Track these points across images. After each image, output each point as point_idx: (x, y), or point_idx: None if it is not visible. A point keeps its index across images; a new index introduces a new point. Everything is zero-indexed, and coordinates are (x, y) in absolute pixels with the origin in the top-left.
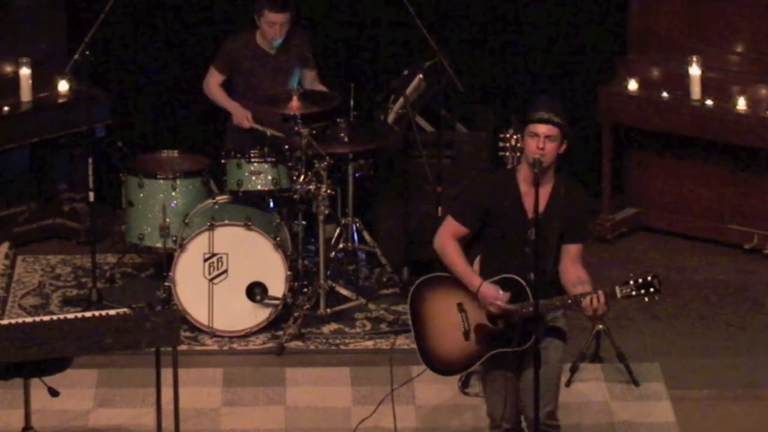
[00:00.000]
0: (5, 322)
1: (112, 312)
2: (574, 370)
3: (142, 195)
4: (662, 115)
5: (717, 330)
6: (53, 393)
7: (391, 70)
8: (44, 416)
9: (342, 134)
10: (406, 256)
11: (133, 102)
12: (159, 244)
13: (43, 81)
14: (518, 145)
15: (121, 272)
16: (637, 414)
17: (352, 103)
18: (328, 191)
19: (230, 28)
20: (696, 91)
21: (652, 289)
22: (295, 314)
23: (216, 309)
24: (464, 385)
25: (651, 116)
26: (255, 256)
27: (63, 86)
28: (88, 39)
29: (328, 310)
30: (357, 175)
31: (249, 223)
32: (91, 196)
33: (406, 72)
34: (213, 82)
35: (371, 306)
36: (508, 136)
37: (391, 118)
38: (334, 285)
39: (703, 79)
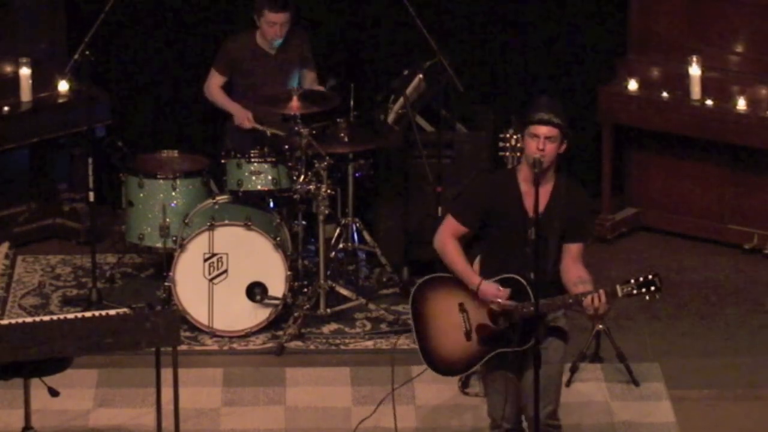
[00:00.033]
0: (5, 322)
1: (112, 312)
2: (574, 370)
3: (142, 195)
4: (662, 115)
5: (717, 330)
6: (53, 393)
7: (391, 70)
8: (44, 416)
9: (342, 134)
10: (406, 256)
11: (133, 102)
12: (159, 244)
13: (43, 81)
14: (518, 145)
15: (121, 272)
16: (637, 414)
17: (352, 103)
18: (328, 191)
19: (230, 29)
20: (696, 91)
21: (653, 288)
22: (295, 314)
23: (216, 309)
24: (464, 385)
25: (651, 116)
26: (255, 256)
27: (63, 86)
28: (88, 39)
29: (328, 310)
30: (357, 175)
31: (249, 223)
32: (91, 196)
33: (406, 72)
34: (214, 85)
35: (371, 306)
36: (508, 136)
37: (391, 118)
38: (334, 285)
39: (703, 79)
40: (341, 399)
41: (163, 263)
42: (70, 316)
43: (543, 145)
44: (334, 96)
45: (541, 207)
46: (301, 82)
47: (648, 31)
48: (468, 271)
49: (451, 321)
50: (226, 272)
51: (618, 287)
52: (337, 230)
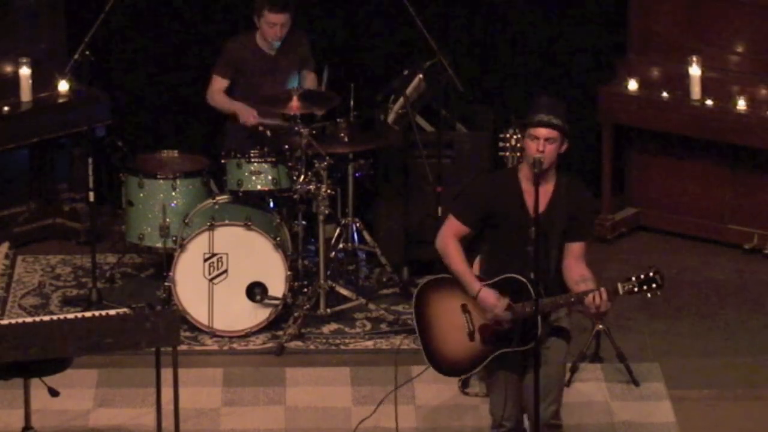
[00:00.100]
0: (5, 322)
1: (112, 312)
2: (574, 370)
3: (142, 195)
4: (662, 115)
5: (717, 330)
6: (53, 393)
7: (391, 70)
8: (44, 416)
9: (342, 134)
10: (406, 256)
11: (133, 102)
12: (159, 244)
13: (43, 81)
14: (518, 145)
15: (121, 272)
16: (637, 414)
17: (352, 103)
18: (328, 191)
19: (230, 29)
20: (696, 91)
21: (654, 285)
22: (295, 314)
23: (216, 309)
24: (464, 385)
25: (651, 116)
26: (255, 256)
27: (63, 86)
28: (88, 39)
29: (328, 310)
30: (357, 175)
31: (249, 223)
32: (91, 196)
33: (406, 72)
34: (216, 90)
35: (371, 306)
36: (508, 136)
37: (391, 118)
38: (334, 285)
39: (703, 79)
40: (341, 399)
41: (163, 263)
42: (70, 316)
43: (543, 146)
44: (334, 96)
45: (542, 206)
46: (301, 82)
47: (648, 31)
48: (468, 275)
49: (454, 322)
50: (226, 272)
51: (619, 285)
52: (337, 230)
